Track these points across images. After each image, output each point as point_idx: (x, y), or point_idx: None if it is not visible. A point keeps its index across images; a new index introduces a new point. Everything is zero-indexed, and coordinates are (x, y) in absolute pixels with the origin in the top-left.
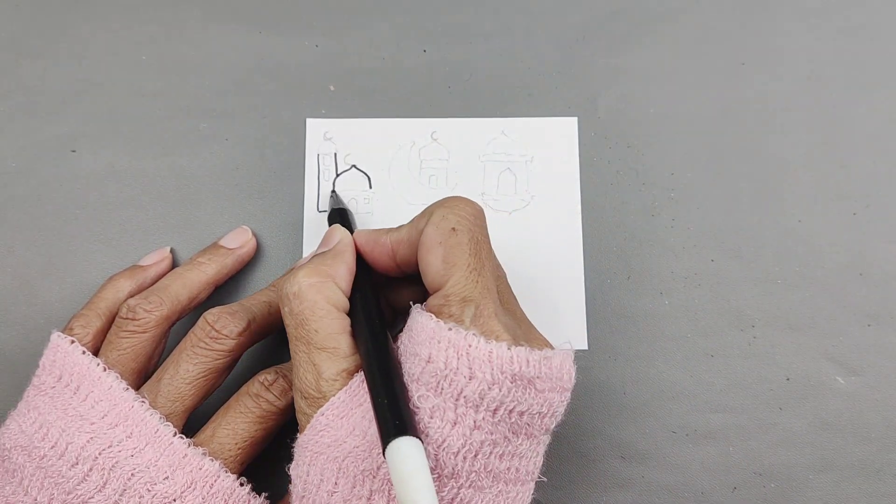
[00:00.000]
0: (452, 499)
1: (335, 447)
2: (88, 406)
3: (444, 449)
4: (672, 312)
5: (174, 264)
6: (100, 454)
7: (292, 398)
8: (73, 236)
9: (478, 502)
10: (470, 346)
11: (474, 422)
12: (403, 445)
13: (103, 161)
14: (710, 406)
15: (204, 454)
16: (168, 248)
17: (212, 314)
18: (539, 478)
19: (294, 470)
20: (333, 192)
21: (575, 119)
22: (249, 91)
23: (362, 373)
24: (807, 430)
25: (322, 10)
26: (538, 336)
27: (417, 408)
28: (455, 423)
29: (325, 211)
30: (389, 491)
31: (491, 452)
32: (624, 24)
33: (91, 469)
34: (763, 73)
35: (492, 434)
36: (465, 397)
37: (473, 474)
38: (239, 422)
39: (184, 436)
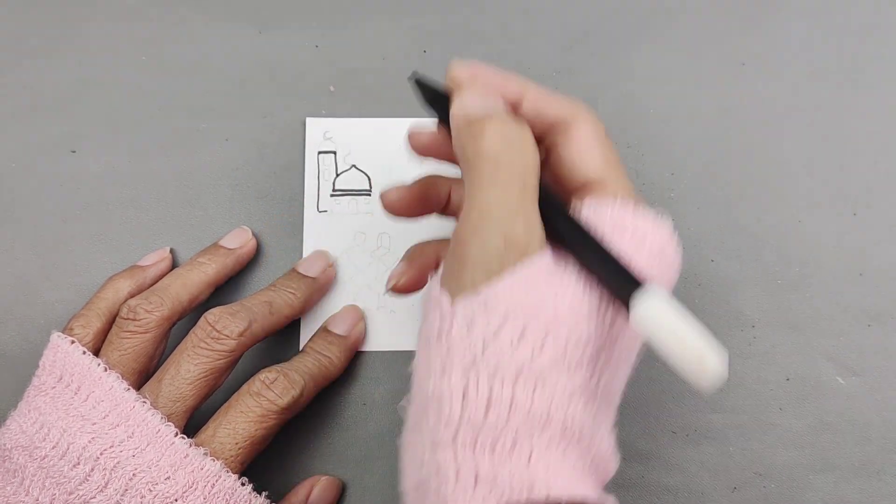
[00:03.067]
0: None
1: (540, 307)
2: (90, 406)
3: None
4: None
5: (174, 264)
6: (101, 454)
7: (293, 397)
8: (73, 236)
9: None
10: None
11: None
12: (650, 292)
13: (103, 161)
14: (710, 406)
15: (205, 454)
16: (168, 249)
17: (213, 314)
18: None
19: (458, 328)
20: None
21: None
22: (249, 91)
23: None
24: (807, 430)
25: (322, 10)
26: None
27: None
28: None
29: (325, 211)
30: (596, 364)
31: None
32: (624, 24)
33: (93, 469)
34: (763, 73)
35: None
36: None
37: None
38: (240, 421)
39: (185, 436)
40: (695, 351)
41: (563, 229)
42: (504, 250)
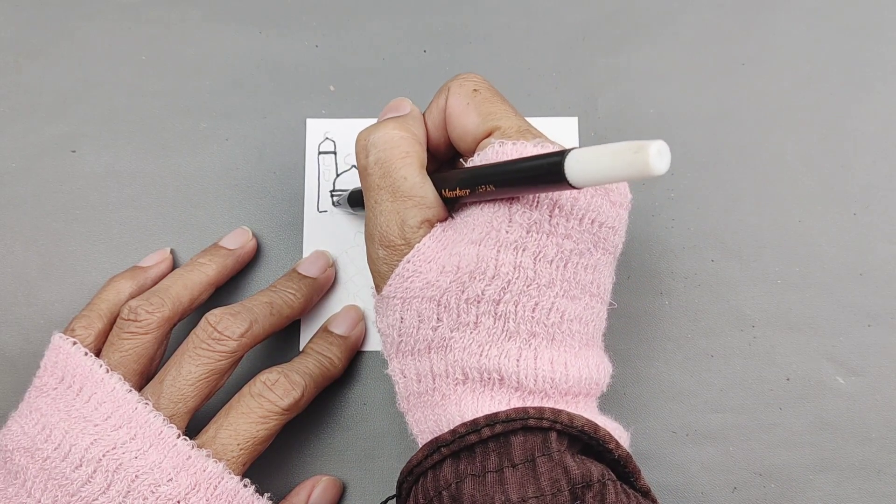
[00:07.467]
0: (550, 308)
1: (429, 288)
2: (91, 408)
3: (540, 258)
4: (672, 312)
5: (175, 265)
6: (104, 456)
7: (294, 398)
8: (73, 236)
9: (572, 311)
10: None
11: (566, 230)
12: (570, 152)
13: (103, 161)
14: (710, 406)
15: (208, 456)
16: (168, 249)
17: (214, 315)
18: (611, 304)
19: (382, 322)
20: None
21: (575, 119)
22: (249, 91)
23: (441, 223)
24: (807, 430)
25: (322, 10)
26: None
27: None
28: (549, 234)
29: (325, 211)
30: (495, 310)
31: (578, 262)
32: (624, 24)
33: (95, 471)
34: (763, 73)
35: (578, 244)
36: (559, 207)
37: (566, 283)
38: (241, 422)
39: (187, 437)
40: (629, 149)
41: (467, 182)
42: (385, 254)
